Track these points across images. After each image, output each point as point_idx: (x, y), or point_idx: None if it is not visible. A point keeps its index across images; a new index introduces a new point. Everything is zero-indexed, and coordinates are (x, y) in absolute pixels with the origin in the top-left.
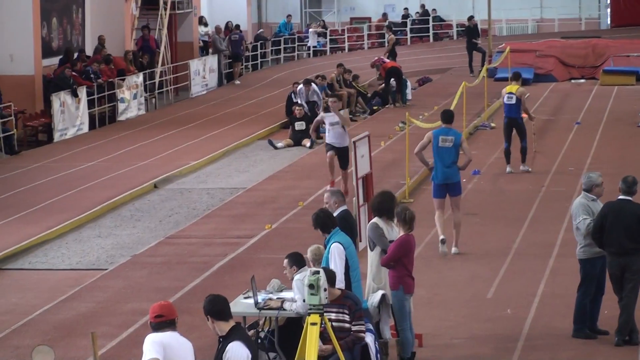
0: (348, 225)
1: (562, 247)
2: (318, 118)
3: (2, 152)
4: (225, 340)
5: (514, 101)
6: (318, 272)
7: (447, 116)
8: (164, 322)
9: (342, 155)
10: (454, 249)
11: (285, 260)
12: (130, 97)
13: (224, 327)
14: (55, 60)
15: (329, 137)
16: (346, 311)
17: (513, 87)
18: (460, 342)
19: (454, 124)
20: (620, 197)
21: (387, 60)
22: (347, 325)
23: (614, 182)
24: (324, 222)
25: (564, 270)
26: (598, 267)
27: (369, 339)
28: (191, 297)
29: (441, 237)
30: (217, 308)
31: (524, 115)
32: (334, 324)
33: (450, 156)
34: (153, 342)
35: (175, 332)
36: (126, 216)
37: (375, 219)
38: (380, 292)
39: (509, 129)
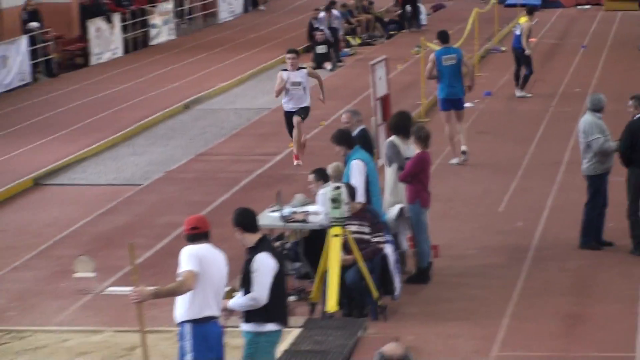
0: (366, 143)
1: (569, 164)
2: (279, 81)
3: (42, 75)
4: (252, 251)
5: (518, 32)
6: (339, 187)
7: (444, 36)
8: (198, 234)
9: (302, 111)
10: (455, 160)
11: (311, 176)
12: (162, 23)
13: (252, 238)
14: None
15: (287, 101)
16: (366, 223)
17: (522, 19)
18: (473, 252)
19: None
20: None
21: None
22: (367, 236)
23: (619, 103)
24: (344, 140)
25: (571, 186)
26: (605, 182)
27: (388, 249)
28: (221, 210)
29: (463, 148)
30: (246, 221)
31: (532, 40)
32: (355, 235)
33: (455, 73)
34: (190, 255)
35: (209, 244)
36: (159, 135)
37: (392, 137)
38: (398, 206)
39: (515, 56)
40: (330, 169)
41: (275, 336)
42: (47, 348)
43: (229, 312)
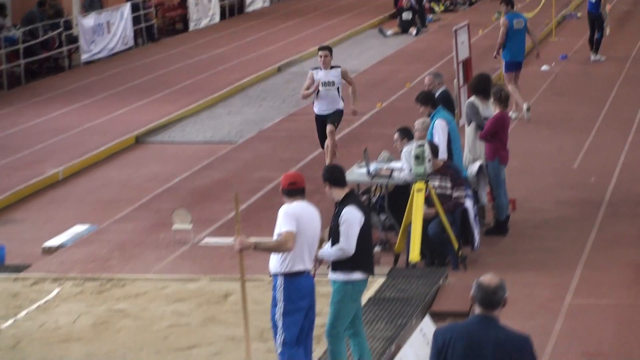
0: (448, 103)
1: None
2: (308, 82)
3: (143, 40)
4: (341, 204)
5: None
6: (423, 145)
7: (511, 1)
8: (295, 189)
9: (335, 116)
10: (513, 114)
11: (396, 134)
12: None
13: (340, 193)
14: None
15: (318, 103)
16: (448, 179)
17: None
18: (548, 206)
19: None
20: None
21: None
22: (449, 191)
23: None
24: (428, 101)
25: None
26: None
27: (469, 203)
28: (310, 167)
29: (525, 105)
30: (335, 176)
31: (608, 7)
32: (437, 190)
33: (521, 37)
34: (287, 214)
35: (304, 201)
36: (253, 96)
37: (472, 98)
38: (478, 163)
39: (590, 21)
40: (418, 123)
41: (361, 284)
42: (146, 295)
43: (318, 261)
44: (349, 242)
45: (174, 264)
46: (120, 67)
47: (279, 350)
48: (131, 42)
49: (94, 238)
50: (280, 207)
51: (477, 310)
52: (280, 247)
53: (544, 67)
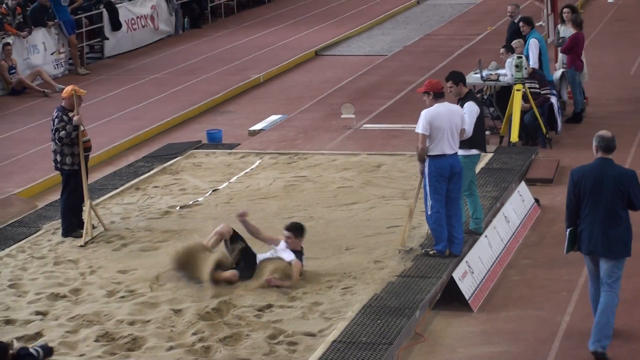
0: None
1: None
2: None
3: None
4: (463, 100)
5: None
6: (522, 57)
7: None
8: (437, 92)
9: None
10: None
11: (502, 49)
12: None
13: (463, 90)
14: None
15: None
16: (536, 82)
17: None
18: (612, 102)
19: None
20: None
21: None
22: (537, 90)
23: None
24: (528, 22)
25: None
26: None
27: (553, 99)
28: (440, 72)
29: None
30: (459, 77)
31: None
32: (530, 90)
33: None
34: (422, 119)
35: (444, 103)
36: (399, 21)
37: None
38: (560, 70)
39: None
40: (516, 42)
41: (476, 158)
42: (322, 165)
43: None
44: (469, 127)
45: (342, 143)
46: (304, 1)
47: (428, 212)
48: None
49: (285, 124)
50: (416, 104)
51: (599, 154)
52: (418, 151)
53: (610, 0)
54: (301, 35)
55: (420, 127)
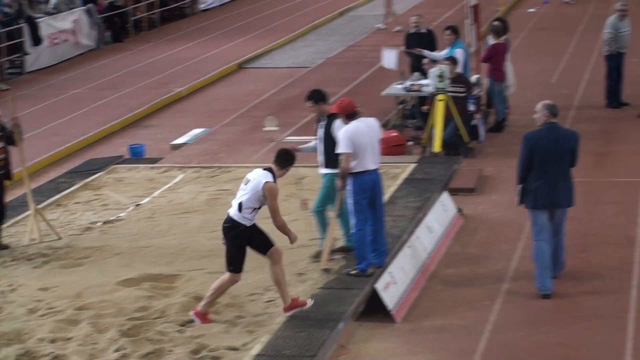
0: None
1: (599, 49)
2: None
3: None
4: (329, 118)
5: None
6: (444, 67)
7: None
8: (349, 114)
9: None
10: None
11: (425, 59)
12: None
13: (325, 109)
14: None
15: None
16: (462, 86)
17: None
18: (532, 110)
19: None
20: None
21: None
22: (462, 94)
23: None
24: (454, 32)
25: (602, 65)
26: (619, 61)
27: (473, 107)
28: (363, 83)
29: None
30: (319, 96)
31: None
32: (452, 94)
33: None
34: (342, 138)
35: (361, 118)
36: (323, 33)
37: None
38: (476, 76)
39: None
40: (440, 55)
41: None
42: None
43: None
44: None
45: (265, 156)
46: (227, 14)
47: (352, 230)
48: None
49: (208, 138)
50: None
51: (549, 120)
52: (342, 170)
53: (531, 9)
54: (224, 48)
55: (343, 147)
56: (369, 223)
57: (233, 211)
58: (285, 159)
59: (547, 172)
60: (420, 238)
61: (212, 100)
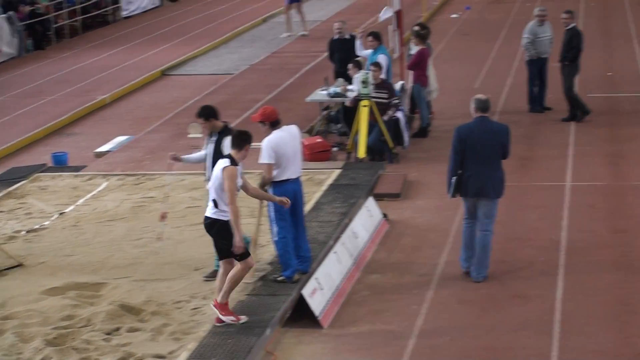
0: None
1: (521, 55)
2: None
3: (166, 0)
4: (220, 135)
5: None
6: (368, 73)
7: None
8: (273, 122)
9: None
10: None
11: (350, 65)
12: None
13: (217, 125)
14: None
15: None
16: (385, 91)
17: None
18: (457, 116)
19: None
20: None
21: None
22: (385, 100)
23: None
24: (377, 38)
25: (523, 70)
26: (541, 66)
27: (400, 114)
28: (287, 90)
29: None
30: (209, 112)
31: None
32: (376, 100)
33: None
34: (265, 148)
35: (283, 127)
36: (246, 39)
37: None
38: (400, 83)
39: None
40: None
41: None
42: (170, 185)
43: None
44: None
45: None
46: (149, 21)
47: (275, 238)
48: (158, 2)
49: (132, 145)
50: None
51: (478, 114)
52: (264, 180)
53: (454, 15)
54: (147, 56)
55: (265, 157)
56: (291, 231)
57: (209, 210)
58: (241, 139)
59: (476, 163)
60: (346, 244)
61: (136, 108)
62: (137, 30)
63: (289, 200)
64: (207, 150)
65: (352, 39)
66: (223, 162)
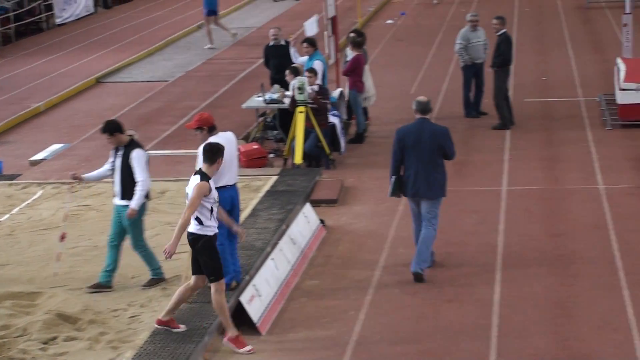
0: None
1: (456, 61)
2: None
3: (100, 7)
4: (127, 148)
5: None
6: (304, 79)
7: None
8: (209, 127)
9: None
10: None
11: (287, 71)
12: None
13: (123, 139)
14: None
15: None
16: (322, 97)
17: None
18: (393, 121)
19: None
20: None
21: None
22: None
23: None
24: (312, 44)
25: (459, 76)
26: (477, 71)
27: (336, 120)
28: (223, 96)
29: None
30: (114, 127)
31: None
32: (312, 106)
33: None
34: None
35: (218, 134)
36: (181, 46)
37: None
38: (339, 90)
39: None
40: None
41: (143, 206)
42: (105, 193)
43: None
44: (146, 174)
45: None
46: (83, 28)
47: None
48: (92, 9)
49: (67, 153)
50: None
51: (418, 115)
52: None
53: (389, 21)
54: (81, 63)
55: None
56: (227, 238)
57: (193, 227)
58: (211, 153)
59: (415, 164)
60: (283, 250)
61: (71, 115)
62: (71, 37)
63: (245, 232)
64: (115, 164)
65: (288, 45)
66: (195, 180)
